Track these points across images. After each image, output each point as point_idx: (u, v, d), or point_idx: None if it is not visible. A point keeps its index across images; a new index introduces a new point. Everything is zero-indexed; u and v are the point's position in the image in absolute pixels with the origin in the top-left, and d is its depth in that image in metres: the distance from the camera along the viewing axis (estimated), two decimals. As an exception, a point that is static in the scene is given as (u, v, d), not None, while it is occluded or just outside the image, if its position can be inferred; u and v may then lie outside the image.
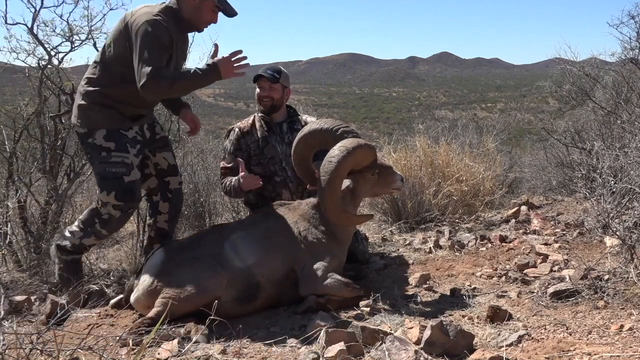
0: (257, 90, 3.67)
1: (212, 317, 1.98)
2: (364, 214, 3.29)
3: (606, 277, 2.66)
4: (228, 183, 3.51)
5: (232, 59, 3.01)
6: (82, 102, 3.20)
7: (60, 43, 4.58)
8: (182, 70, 3.13)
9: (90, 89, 3.20)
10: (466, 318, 2.49)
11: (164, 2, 3.19)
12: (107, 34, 4.74)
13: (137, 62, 2.96)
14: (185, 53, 3.39)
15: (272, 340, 2.39)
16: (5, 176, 4.27)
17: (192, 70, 3.03)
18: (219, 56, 3.06)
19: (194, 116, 3.54)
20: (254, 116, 3.75)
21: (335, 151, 2.81)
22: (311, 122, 3.32)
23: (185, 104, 3.58)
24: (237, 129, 3.68)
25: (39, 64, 4.48)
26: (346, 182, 2.98)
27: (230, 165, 3.59)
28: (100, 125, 3.15)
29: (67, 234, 3.43)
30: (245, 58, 3.06)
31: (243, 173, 3.38)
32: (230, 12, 3.21)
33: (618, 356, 1.90)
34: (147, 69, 2.90)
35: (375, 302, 2.76)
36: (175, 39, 3.08)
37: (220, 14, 3.22)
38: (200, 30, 3.29)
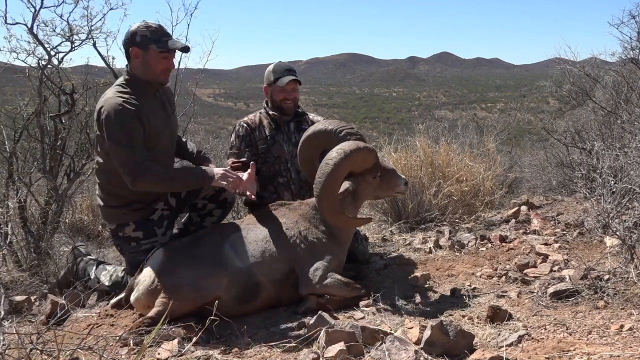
0: (277, 92, 3.58)
1: (212, 317, 1.97)
2: (363, 216, 3.25)
3: (606, 277, 2.66)
4: None
5: (231, 175, 2.97)
6: (103, 204, 3.24)
7: (60, 43, 4.59)
8: (180, 170, 3.03)
9: (105, 194, 3.23)
10: (466, 318, 2.49)
11: (121, 77, 3.11)
12: (107, 34, 4.78)
13: (115, 158, 2.93)
14: (167, 108, 3.24)
15: (272, 341, 2.39)
16: (5, 176, 4.28)
17: (191, 170, 2.99)
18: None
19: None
20: (260, 113, 3.71)
21: (333, 154, 2.80)
22: (317, 122, 3.32)
23: (206, 159, 3.49)
24: (245, 125, 3.63)
25: (39, 64, 4.49)
26: (346, 185, 2.96)
27: (242, 160, 3.45)
28: (130, 219, 3.20)
29: (92, 273, 3.45)
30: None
31: (247, 175, 3.09)
32: (180, 48, 3.06)
33: (618, 356, 1.90)
34: (127, 168, 2.89)
35: (375, 302, 2.76)
36: (146, 113, 2.98)
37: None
38: (163, 81, 3.15)
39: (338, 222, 2.97)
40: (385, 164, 3.14)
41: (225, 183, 2.99)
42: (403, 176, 3.15)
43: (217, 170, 3.01)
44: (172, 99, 3.37)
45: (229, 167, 3.19)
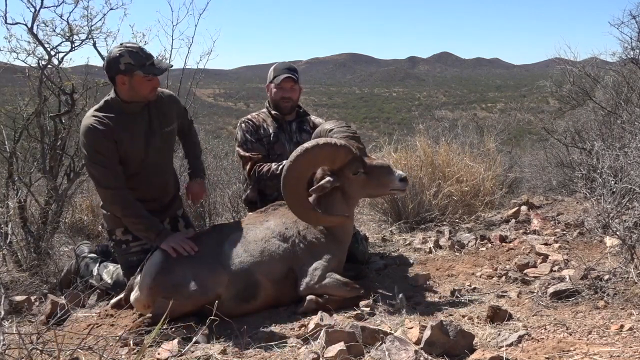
0: (275, 89, 3.62)
1: (212, 317, 1.98)
2: (338, 215, 2.99)
3: (606, 277, 2.65)
4: (276, 166, 3.40)
5: (181, 241, 2.89)
6: (103, 209, 3.33)
7: (60, 43, 4.59)
8: (143, 213, 3.05)
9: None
10: (466, 318, 2.49)
11: (106, 98, 3.14)
12: (107, 34, 4.79)
13: (91, 177, 3.11)
14: (154, 122, 3.21)
15: (272, 341, 2.39)
16: (5, 176, 4.28)
17: (149, 221, 3.02)
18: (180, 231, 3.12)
19: (197, 191, 3.53)
20: (263, 112, 3.73)
21: (293, 153, 2.81)
22: (319, 124, 3.37)
23: (198, 173, 3.57)
24: (250, 121, 3.64)
25: (39, 64, 4.49)
26: (323, 181, 2.91)
27: (259, 153, 3.51)
28: (120, 224, 3.22)
29: (95, 270, 3.48)
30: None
31: None
32: (163, 69, 3.11)
33: (618, 356, 1.90)
34: (103, 192, 3.06)
35: (375, 302, 2.76)
36: (121, 132, 3.03)
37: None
38: (151, 99, 3.15)
39: (307, 220, 2.92)
40: (374, 161, 3.00)
41: (169, 250, 2.87)
42: (399, 172, 2.96)
43: (170, 239, 2.93)
44: (168, 111, 3.29)
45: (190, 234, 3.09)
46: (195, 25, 5.38)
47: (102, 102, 3.13)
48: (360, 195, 3.14)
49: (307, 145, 2.80)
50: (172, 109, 3.33)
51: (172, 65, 3.19)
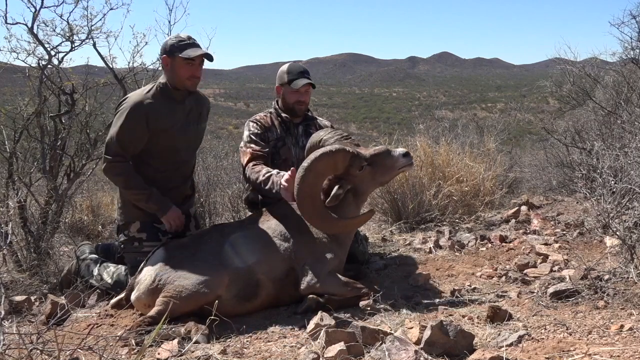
0: (290, 93, 3.51)
1: (212, 317, 1.97)
2: (362, 214, 3.10)
3: (606, 277, 2.66)
4: (264, 175, 3.21)
5: (178, 218, 3.31)
6: (121, 199, 3.42)
7: (60, 43, 4.60)
8: (144, 185, 3.23)
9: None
10: (466, 318, 2.49)
11: (157, 81, 3.36)
12: (107, 34, 4.79)
13: (107, 138, 3.24)
14: (192, 116, 3.41)
15: (272, 341, 2.39)
16: (5, 176, 4.27)
17: (149, 191, 3.21)
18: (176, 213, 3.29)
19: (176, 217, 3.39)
20: (270, 114, 3.61)
21: (297, 175, 2.81)
22: (323, 128, 3.36)
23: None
24: (258, 122, 3.53)
25: (39, 64, 4.49)
26: (334, 190, 2.90)
27: (260, 150, 3.39)
28: (137, 217, 3.31)
29: (95, 270, 3.48)
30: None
31: (288, 181, 3.02)
32: (200, 55, 3.24)
33: (618, 356, 1.90)
34: (107, 157, 3.19)
35: (375, 302, 2.75)
36: (161, 114, 3.23)
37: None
38: (192, 89, 3.34)
39: (336, 230, 2.96)
40: (371, 150, 3.01)
41: (167, 225, 3.30)
42: (399, 150, 3.01)
43: (171, 211, 3.29)
44: (203, 111, 3.53)
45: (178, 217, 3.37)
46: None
47: (154, 83, 3.33)
48: (372, 187, 3.16)
49: (305, 164, 2.78)
50: (205, 109, 3.58)
51: (208, 55, 3.29)
